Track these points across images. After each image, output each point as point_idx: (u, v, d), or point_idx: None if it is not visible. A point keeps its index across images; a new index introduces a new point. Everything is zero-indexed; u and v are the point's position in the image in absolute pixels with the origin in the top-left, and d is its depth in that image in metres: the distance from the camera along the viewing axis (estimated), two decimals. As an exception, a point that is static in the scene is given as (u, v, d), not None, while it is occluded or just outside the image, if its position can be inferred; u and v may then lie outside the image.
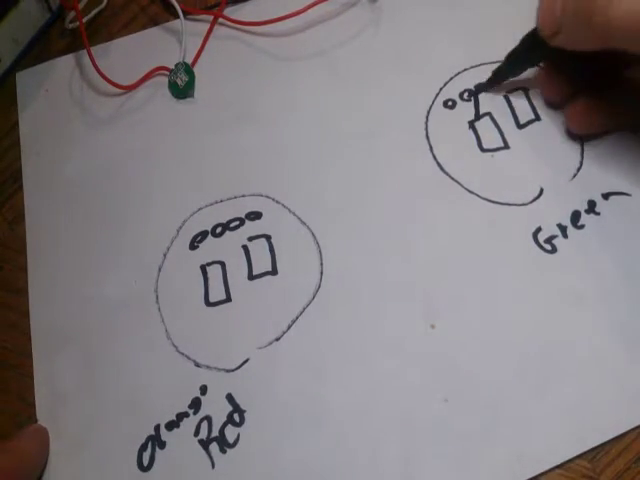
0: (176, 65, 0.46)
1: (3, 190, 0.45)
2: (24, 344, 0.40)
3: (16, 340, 0.41)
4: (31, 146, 0.46)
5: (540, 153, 0.41)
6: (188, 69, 0.46)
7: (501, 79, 0.42)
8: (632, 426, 0.34)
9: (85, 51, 0.46)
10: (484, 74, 0.43)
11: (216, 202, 0.42)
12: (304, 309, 0.39)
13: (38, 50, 0.49)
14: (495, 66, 0.42)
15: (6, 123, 0.47)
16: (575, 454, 0.34)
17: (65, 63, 0.48)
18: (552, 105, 0.41)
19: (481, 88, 0.43)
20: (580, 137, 0.40)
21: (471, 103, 0.43)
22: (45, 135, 0.46)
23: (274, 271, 0.40)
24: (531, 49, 0.39)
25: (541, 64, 0.41)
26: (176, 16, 0.47)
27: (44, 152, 0.45)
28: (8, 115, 0.47)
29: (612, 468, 0.34)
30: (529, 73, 0.41)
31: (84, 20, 0.46)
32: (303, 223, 0.41)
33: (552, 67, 0.40)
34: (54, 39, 0.50)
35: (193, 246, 0.41)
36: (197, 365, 0.38)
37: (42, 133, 0.46)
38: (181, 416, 0.37)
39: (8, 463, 0.35)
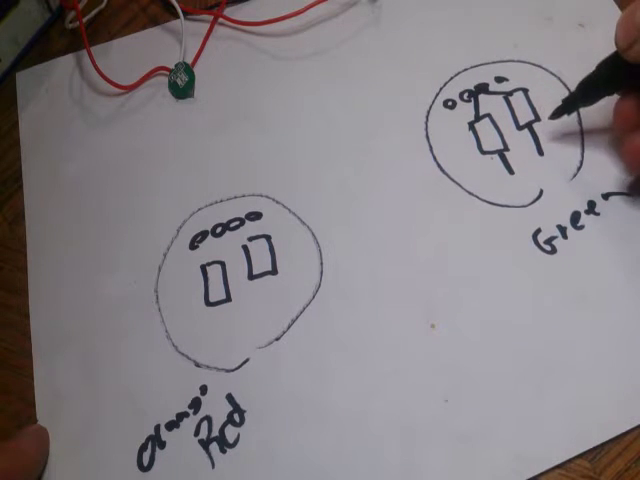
0: (176, 65, 0.46)
1: (3, 190, 0.45)
2: (24, 344, 0.40)
3: (16, 340, 0.41)
4: (31, 146, 0.46)
5: (540, 154, 0.41)
6: (188, 69, 0.46)
7: (572, 108, 0.39)
8: (632, 426, 0.34)
9: (85, 51, 0.46)
10: (484, 74, 0.43)
11: (216, 202, 0.42)
12: (304, 309, 0.39)
13: (38, 50, 0.49)
14: (495, 66, 0.42)
15: (6, 123, 0.47)
16: (575, 454, 0.34)
17: (65, 63, 0.48)
18: (618, 134, 0.39)
19: (549, 117, 0.40)
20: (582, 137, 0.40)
21: (471, 104, 0.43)
22: (45, 135, 0.46)
23: (274, 271, 0.40)
24: (610, 76, 0.36)
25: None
26: (176, 16, 0.47)
27: (44, 152, 0.45)
28: (8, 115, 0.47)
29: (612, 468, 0.34)
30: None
31: (84, 20, 0.46)
32: (303, 223, 0.41)
33: (630, 95, 0.37)
34: (54, 39, 0.50)
35: (193, 246, 0.41)
36: (197, 365, 0.38)
37: (42, 133, 0.46)
38: (181, 416, 0.37)
39: (8, 463, 0.35)
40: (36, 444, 0.37)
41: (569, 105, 0.39)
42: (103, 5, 0.49)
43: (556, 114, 0.40)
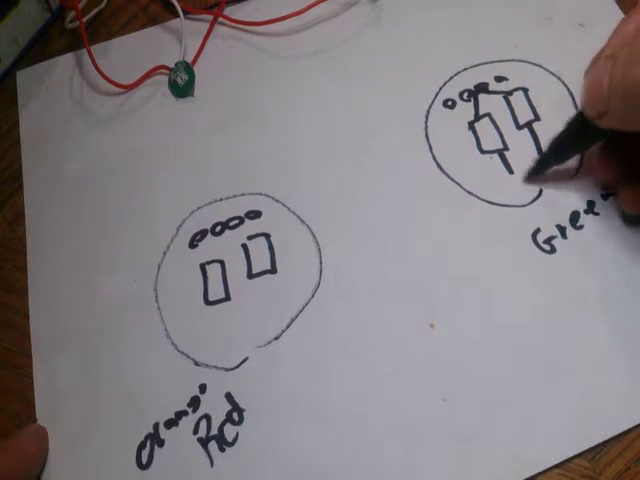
0: (176, 64, 0.46)
1: (3, 190, 0.45)
2: (24, 344, 0.40)
3: (16, 340, 0.41)
4: (31, 145, 0.46)
5: (539, 154, 0.41)
6: (188, 68, 0.46)
7: (546, 167, 0.39)
8: (631, 425, 0.34)
9: (85, 50, 0.46)
10: (484, 74, 0.43)
11: (216, 201, 0.42)
12: (303, 308, 0.39)
13: (38, 50, 0.49)
14: (495, 66, 0.42)
15: (6, 123, 0.47)
16: (574, 453, 0.34)
17: (65, 62, 0.48)
18: (607, 187, 0.39)
19: (525, 177, 0.40)
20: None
21: (471, 103, 0.43)
22: (45, 134, 0.46)
23: (273, 270, 0.40)
24: (579, 134, 0.36)
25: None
26: (176, 15, 0.47)
27: (44, 151, 0.45)
28: (8, 115, 0.47)
29: (612, 468, 0.34)
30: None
31: (84, 20, 0.46)
32: (302, 222, 0.41)
33: (607, 147, 0.36)
34: (54, 39, 0.50)
35: (193, 245, 0.41)
36: (196, 364, 0.38)
37: (42, 132, 0.46)
38: (180, 414, 0.37)
39: (8, 463, 0.35)
40: (36, 443, 0.37)
41: (543, 164, 0.39)
42: (103, 5, 0.50)
43: (531, 174, 0.40)
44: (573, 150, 0.38)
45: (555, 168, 0.39)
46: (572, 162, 0.40)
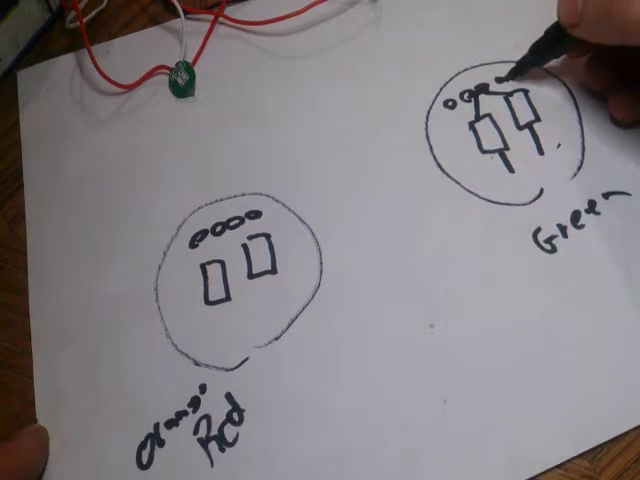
0: (177, 64, 0.46)
1: (3, 190, 0.45)
2: (24, 344, 0.40)
3: (16, 340, 0.41)
4: (32, 145, 0.46)
5: (540, 153, 0.41)
6: (189, 68, 0.46)
7: (525, 69, 0.42)
8: (632, 426, 0.34)
9: (86, 50, 0.46)
10: (484, 74, 0.43)
11: (216, 201, 0.42)
12: (303, 308, 0.39)
13: (38, 50, 0.49)
14: (495, 67, 0.42)
15: (5, 123, 0.47)
16: (574, 454, 0.34)
17: (66, 62, 0.48)
18: (596, 94, 0.41)
19: (503, 79, 0.43)
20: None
21: (471, 104, 0.43)
22: (46, 134, 0.46)
23: (274, 270, 0.40)
24: (555, 40, 0.39)
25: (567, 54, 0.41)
26: (177, 15, 0.47)
27: (45, 151, 0.45)
28: (8, 115, 0.47)
29: (612, 468, 0.34)
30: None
31: (84, 20, 0.46)
32: (303, 222, 0.41)
33: (595, 56, 0.40)
34: (54, 39, 0.50)
35: (193, 245, 0.41)
36: (196, 364, 0.38)
37: (43, 132, 0.46)
38: (180, 415, 0.37)
39: (9, 464, 0.35)
40: (36, 444, 0.37)
41: (523, 66, 0.42)
42: (103, 5, 0.49)
43: (511, 74, 0.43)
44: (549, 54, 0.41)
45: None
46: (573, 161, 0.40)
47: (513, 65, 0.43)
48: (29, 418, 0.38)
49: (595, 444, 0.34)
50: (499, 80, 0.43)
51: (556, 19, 0.38)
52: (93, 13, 0.49)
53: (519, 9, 0.45)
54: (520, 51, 0.43)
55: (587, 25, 0.35)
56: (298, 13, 0.45)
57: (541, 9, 0.44)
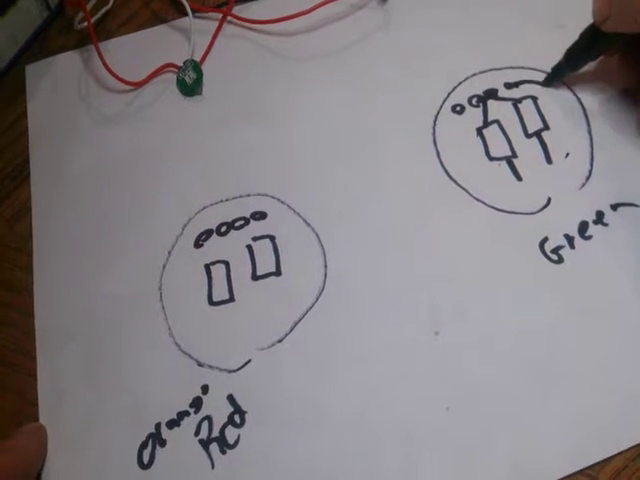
0: (184, 62, 0.46)
1: (1, 188, 0.45)
2: (24, 342, 0.40)
3: (16, 338, 0.40)
4: (39, 140, 0.46)
5: (548, 162, 0.41)
6: (196, 67, 0.46)
7: (561, 75, 0.42)
8: (634, 443, 0.34)
9: (93, 47, 0.46)
10: (493, 80, 0.43)
11: (221, 201, 0.42)
12: (307, 311, 0.39)
13: (37, 48, 0.49)
14: (505, 72, 0.42)
15: (4, 122, 0.47)
16: (574, 470, 0.34)
17: (73, 59, 0.48)
18: (627, 92, 0.41)
19: (542, 84, 0.43)
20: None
21: (479, 109, 0.43)
22: (52, 129, 0.46)
23: (278, 272, 0.40)
24: (590, 43, 0.39)
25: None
26: (185, 14, 0.47)
27: (51, 147, 0.45)
28: (6, 115, 0.47)
29: (610, 466, 0.34)
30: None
31: (92, 20, 0.46)
32: (308, 224, 0.41)
33: (627, 54, 0.41)
34: (53, 37, 0.49)
35: (198, 244, 0.41)
36: (199, 364, 0.38)
37: (50, 127, 0.46)
38: (182, 415, 0.37)
39: (8, 462, 0.35)
40: (35, 443, 0.37)
41: (559, 72, 0.42)
42: (109, 5, 0.49)
43: (547, 80, 0.43)
44: (585, 58, 0.41)
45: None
46: (581, 171, 0.40)
47: (549, 73, 0.42)
48: (28, 417, 0.38)
49: (595, 460, 0.34)
50: (545, 82, 0.43)
51: (588, 22, 0.38)
52: (100, 14, 0.49)
53: (529, 14, 0.45)
54: (530, 56, 0.43)
55: (615, 16, 0.36)
56: (305, 13, 0.45)
57: (551, 14, 0.44)
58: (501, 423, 0.35)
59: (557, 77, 0.42)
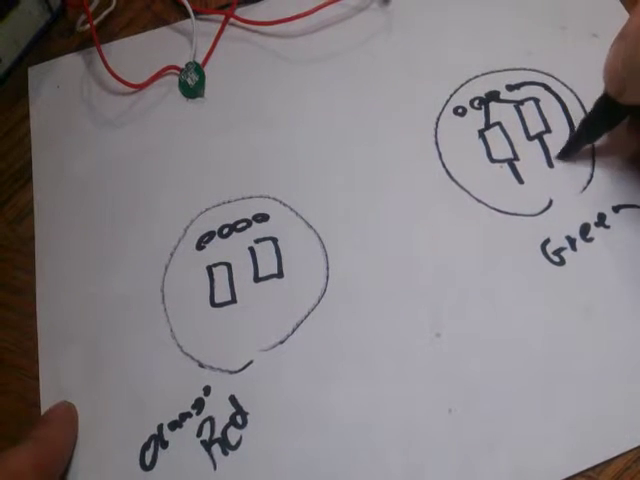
0: (187, 64, 0.46)
1: (3, 190, 0.45)
2: (24, 344, 0.40)
3: (16, 340, 0.40)
4: (41, 142, 0.46)
5: (550, 164, 0.41)
6: (198, 69, 0.46)
7: (578, 147, 0.40)
8: (635, 444, 0.34)
9: (95, 49, 0.46)
10: (495, 81, 0.43)
11: (224, 203, 0.42)
12: (309, 313, 0.39)
13: (38, 50, 0.49)
14: (507, 74, 0.42)
15: (6, 124, 0.47)
16: (575, 472, 0.34)
17: (75, 61, 0.48)
18: (637, 155, 0.40)
19: (557, 157, 0.41)
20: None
21: (481, 111, 0.43)
22: (55, 132, 0.46)
23: (280, 274, 0.40)
24: (605, 112, 0.37)
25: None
26: (187, 16, 0.47)
27: (54, 149, 0.45)
28: (8, 117, 0.47)
29: (612, 468, 0.34)
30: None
31: (94, 22, 0.46)
32: (310, 227, 0.41)
33: (636, 117, 0.38)
34: (55, 39, 0.49)
35: (200, 246, 0.41)
36: (201, 365, 0.38)
37: (53, 129, 0.46)
38: (184, 416, 0.37)
39: (39, 456, 0.33)
40: (65, 426, 0.36)
41: (576, 144, 0.40)
42: (112, 7, 0.49)
43: (563, 154, 0.40)
44: (602, 128, 0.39)
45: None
46: (583, 174, 0.40)
47: (564, 146, 0.40)
48: (28, 418, 0.38)
49: (597, 462, 0.34)
50: (560, 156, 0.41)
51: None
52: (102, 16, 0.49)
53: (531, 16, 0.45)
54: (532, 58, 0.43)
55: (632, 89, 0.33)
56: (307, 14, 0.45)
57: (553, 16, 0.44)
58: (503, 424, 0.35)
59: (574, 149, 0.40)
